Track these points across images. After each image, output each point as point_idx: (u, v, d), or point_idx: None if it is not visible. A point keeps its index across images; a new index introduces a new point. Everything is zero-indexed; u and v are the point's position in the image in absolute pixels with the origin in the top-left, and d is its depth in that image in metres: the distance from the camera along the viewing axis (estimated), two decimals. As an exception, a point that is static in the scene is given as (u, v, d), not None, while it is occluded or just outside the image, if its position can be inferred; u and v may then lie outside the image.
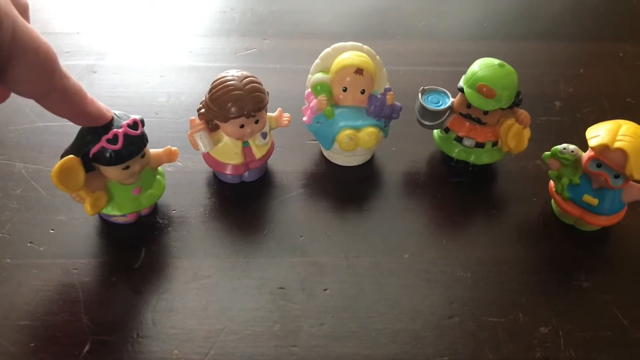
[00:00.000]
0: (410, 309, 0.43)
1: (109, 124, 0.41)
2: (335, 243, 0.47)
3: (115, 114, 0.42)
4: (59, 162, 0.40)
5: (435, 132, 0.54)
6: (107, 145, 0.40)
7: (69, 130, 0.42)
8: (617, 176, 0.44)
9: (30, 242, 0.45)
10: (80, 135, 0.41)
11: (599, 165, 0.44)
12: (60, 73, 0.34)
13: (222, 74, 0.45)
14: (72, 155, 0.40)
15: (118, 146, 0.41)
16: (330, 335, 0.41)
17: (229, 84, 0.44)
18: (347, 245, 0.47)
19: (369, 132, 0.49)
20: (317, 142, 0.52)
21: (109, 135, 0.40)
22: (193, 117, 0.47)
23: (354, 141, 0.49)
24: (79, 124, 0.40)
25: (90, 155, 0.41)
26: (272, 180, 0.52)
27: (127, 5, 0.74)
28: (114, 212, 0.45)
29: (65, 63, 0.62)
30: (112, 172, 0.42)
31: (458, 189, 0.52)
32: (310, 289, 0.43)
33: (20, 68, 0.31)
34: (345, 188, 0.52)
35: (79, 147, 0.41)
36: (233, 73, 0.45)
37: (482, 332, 0.41)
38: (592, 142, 0.44)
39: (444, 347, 0.40)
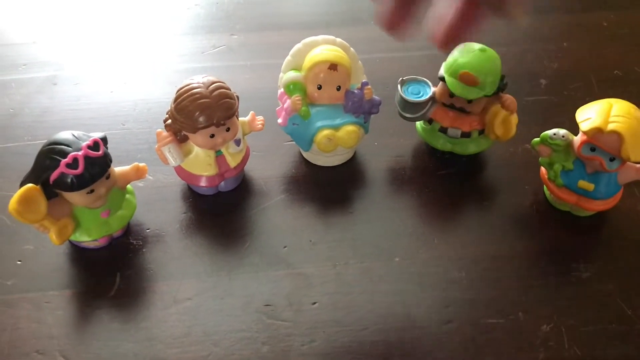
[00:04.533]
0: (404, 317, 0.40)
1: (67, 146, 0.38)
2: (322, 251, 0.44)
3: (73, 134, 0.39)
4: (17, 193, 0.37)
5: (418, 123, 0.51)
6: (67, 171, 0.37)
7: (30, 150, 0.39)
8: (612, 159, 0.41)
9: (-4, 277, 0.42)
10: (39, 159, 0.39)
11: (592, 150, 0.42)
12: None
13: (187, 81, 0.42)
14: (30, 184, 0.37)
15: (79, 170, 0.38)
16: (323, 352, 0.38)
17: (194, 91, 0.41)
18: (334, 252, 0.44)
19: (348, 131, 0.46)
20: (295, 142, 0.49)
21: (68, 159, 0.37)
22: (160, 130, 0.44)
23: (333, 141, 0.46)
24: None
25: (51, 182, 0.38)
26: (250, 188, 0.49)
27: (84, 11, 0.69)
28: (83, 238, 0.42)
29: (23, 77, 0.59)
30: (76, 198, 0.40)
31: (446, 182, 0.50)
32: (298, 304, 0.41)
33: None
34: (328, 190, 0.49)
35: (38, 174, 0.38)
36: (199, 79, 0.42)
37: (482, 336, 0.39)
38: (583, 126, 0.41)
39: (443, 355, 0.38)
